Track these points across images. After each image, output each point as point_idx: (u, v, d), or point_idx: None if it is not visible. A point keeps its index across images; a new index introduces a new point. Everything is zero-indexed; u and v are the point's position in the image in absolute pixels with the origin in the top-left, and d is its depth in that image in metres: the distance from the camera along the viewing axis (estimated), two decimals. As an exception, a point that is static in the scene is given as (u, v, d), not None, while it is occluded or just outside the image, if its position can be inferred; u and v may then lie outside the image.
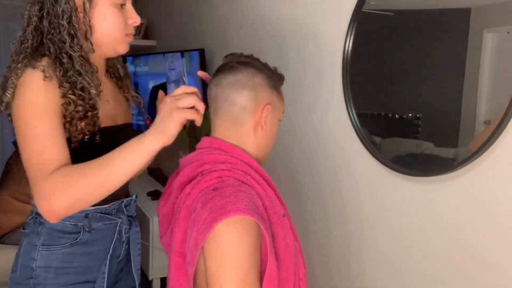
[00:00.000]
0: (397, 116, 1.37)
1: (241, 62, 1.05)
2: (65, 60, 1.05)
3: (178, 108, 0.93)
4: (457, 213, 1.20)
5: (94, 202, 0.98)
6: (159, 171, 3.28)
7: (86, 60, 1.10)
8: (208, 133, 2.65)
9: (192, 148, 2.57)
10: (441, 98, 1.24)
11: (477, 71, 1.12)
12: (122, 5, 1.10)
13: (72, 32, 1.06)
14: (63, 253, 1.14)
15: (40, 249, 1.13)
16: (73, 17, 1.06)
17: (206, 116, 2.69)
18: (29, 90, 1.01)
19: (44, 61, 1.04)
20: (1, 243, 2.20)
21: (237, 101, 1.01)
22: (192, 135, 2.54)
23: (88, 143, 1.08)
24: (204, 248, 0.89)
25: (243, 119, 1.02)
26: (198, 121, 0.97)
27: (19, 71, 1.03)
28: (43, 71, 1.02)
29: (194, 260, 0.90)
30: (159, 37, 3.39)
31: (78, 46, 1.07)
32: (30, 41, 1.07)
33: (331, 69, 1.60)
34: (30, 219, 1.18)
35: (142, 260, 1.34)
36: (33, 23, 1.07)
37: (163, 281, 1.26)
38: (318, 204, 1.75)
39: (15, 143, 2.45)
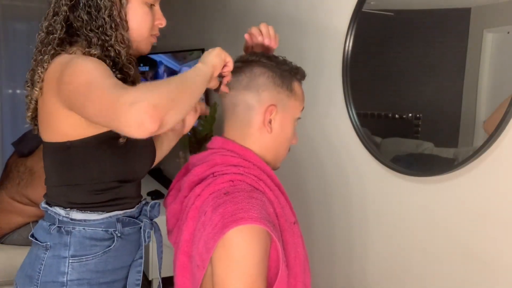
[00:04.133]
0: (397, 116, 1.37)
1: (246, 61, 1.03)
2: (112, 54, 1.03)
3: (220, 49, 0.98)
4: (457, 213, 1.20)
5: (183, 111, 0.87)
6: (159, 171, 3.28)
7: (130, 56, 1.08)
8: (208, 133, 2.64)
9: (192, 148, 2.57)
10: (441, 98, 1.24)
11: (477, 71, 1.12)
12: (152, 5, 1.10)
13: (113, 27, 1.03)
14: (95, 263, 1.06)
15: (70, 261, 1.04)
16: (114, 11, 1.03)
17: (206, 117, 2.69)
18: (76, 58, 0.96)
19: (79, 51, 1.02)
20: (1, 243, 2.20)
21: (241, 102, 1.00)
22: (192, 135, 2.54)
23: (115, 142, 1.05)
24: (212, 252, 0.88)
25: (249, 121, 1.00)
26: (228, 77, 1.01)
27: (46, 64, 1.01)
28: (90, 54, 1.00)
29: (205, 264, 0.90)
30: (159, 37, 3.40)
31: (123, 41, 1.05)
32: (58, 31, 1.03)
33: (331, 69, 1.60)
34: (51, 230, 1.07)
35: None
36: (63, 13, 1.03)
37: (163, 281, 1.25)
38: (319, 204, 1.75)
39: (14, 144, 2.44)
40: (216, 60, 0.96)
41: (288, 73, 1.02)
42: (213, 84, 0.98)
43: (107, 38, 1.02)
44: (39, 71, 1.02)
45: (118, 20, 1.03)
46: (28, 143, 2.23)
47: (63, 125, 1.01)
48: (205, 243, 0.88)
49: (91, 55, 1.01)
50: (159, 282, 1.23)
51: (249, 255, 0.86)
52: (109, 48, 1.03)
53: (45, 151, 1.10)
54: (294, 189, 1.82)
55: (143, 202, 1.18)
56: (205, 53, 0.99)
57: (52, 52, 1.02)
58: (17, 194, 2.15)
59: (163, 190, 2.79)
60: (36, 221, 2.21)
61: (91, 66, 0.93)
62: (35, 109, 1.08)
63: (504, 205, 1.08)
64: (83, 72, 0.91)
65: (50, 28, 1.05)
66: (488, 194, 1.11)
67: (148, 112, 0.76)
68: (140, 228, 1.15)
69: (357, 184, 1.54)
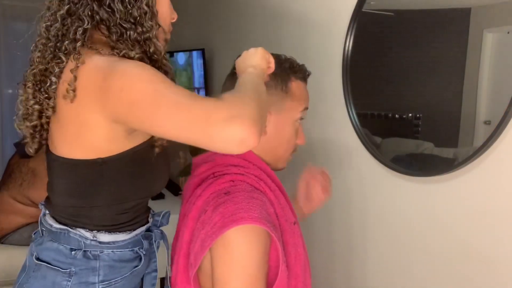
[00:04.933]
0: (397, 116, 1.37)
1: None
2: (152, 49, 0.93)
3: (263, 49, 0.94)
4: (456, 213, 1.20)
5: (265, 121, 0.83)
6: (159, 171, 3.27)
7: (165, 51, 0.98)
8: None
9: (192, 148, 2.57)
10: (441, 98, 1.24)
11: (477, 71, 1.12)
12: None
13: (151, 17, 0.92)
14: (123, 284, 1.00)
15: (100, 286, 0.96)
16: (151, 0, 0.92)
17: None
18: (122, 62, 0.84)
19: (114, 55, 0.88)
20: (1, 243, 2.20)
21: None
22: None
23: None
24: (212, 252, 0.88)
25: None
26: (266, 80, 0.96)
27: (77, 62, 0.86)
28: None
29: (197, 262, 0.89)
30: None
31: (161, 34, 0.95)
32: (88, 23, 0.89)
33: (331, 69, 1.60)
34: (77, 255, 0.96)
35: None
36: (88, 3, 0.90)
37: (164, 281, 1.24)
38: (318, 204, 1.75)
39: (16, 145, 2.42)
40: (263, 64, 0.92)
41: (284, 74, 1.00)
42: None
43: (145, 30, 0.92)
44: (55, 72, 0.89)
45: (155, 10, 0.93)
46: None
47: (97, 139, 0.89)
48: (202, 242, 0.88)
49: (130, 58, 0.88)
50: (166, 285, 1.22)
51: (249, 254, 0.86)
52: (147, 42, 0.92)
53: (61, 168, 0.96)
54: (294, 190, 1.81)
55: (152, 212, 1.13)
56: (247, 54, 0.93)
57: (80, 47, 0.88)
58: (19, 194, 2.15)
59: (163, 190, 2.79)
60: (36, 222, 2.21)
61: (148, 71, 0.81)
62: (45, 118, 0.95)
63: (504, 205, 1.08)
64: (142, 78, 0.79)
65: (69, 19, 0.90)
66: (488, 194, 1.11)
67: (250, 128, 0.71)
68: (151, 239, 1.09)
69: (357, 184, 1.54)
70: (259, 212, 0.88)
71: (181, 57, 2.85)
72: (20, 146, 2.26)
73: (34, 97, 0.93)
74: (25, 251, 1.12)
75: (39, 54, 0.92)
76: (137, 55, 0.89)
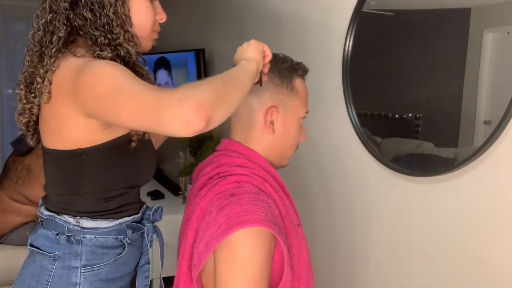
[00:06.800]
0: (397, 116, 1.37)
1: None
2: (122, 53, 0.98)
3: (256, 41, 0.98)
4: (457, 213, 1.20)
5: (231, 108, 0.85)
6: (159, 171, 3.28)
7: (139, 54, 1.04)
8: (207, 134, 2.64)
9: (192, 148, 2.57)
10: (441, 98, 1.24)
11: (477, 71, 1.12)
12: (152, 0, 1.06)
13: (119, 24, 0.98)
14: (106, 271, 1.03)
15: (82, 271, 1.00)
16: (119, 7, 0.98)
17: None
18: (93, 62, 0.91)
19: (88, 54, 0.96)
20: (0, 243, 2.20)
21: (242, 105, 1.00)
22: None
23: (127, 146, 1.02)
24: (216, 253, 0.88)
25: (251, 123, 1.01)
26: (267, 66, 0.99)
27: (53, 67, 0.95)
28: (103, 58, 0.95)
29: (201, 263, 0.89)
30: (159, 37, 3.40)
31: (131, 39, 1.00)
32: (62, 31, 0.97)
33: (331, 69, 1.60)
34: (61, 239, 1.02)
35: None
36: (63, 11, 0.97)
37: (164, 280, 1.25)
38: (319, 204, 1.75)
39: (13, 143, 2.43)
40: (257, 54, 0.95)
41: (287, 71, 1.02)
42: (256, 79, 0.96)
43: (114, 36, 0.98)
44: (41, 74, 0.96)
45: (123, 17, 0.98)
46: (27, 142, 2.21)
47: (76, 132, 0.97)
48: (207, 243, 0.88)
49: (103, 58, 0.96)
50: (161, 282, 1.23)
51: (253, 257, 0.86)
52: (117, 47, 0.98)
53: (49, 159, 1.05)
54: (295, 190, 1.81)
55: (145, 206, 1.16)
56: (241, 49, 0.97)
57: (57, 53, 0.96)
58: (14, 193, 2.14)
59: (163, 190, 2.79)
60: (33, 221, 2.21)
61: (113, 68, 0.88)
62: (35, 115, 1.03)
63: (504, 205, 1.08)
64: (106, 74, 0.87)
65: (49, 27, 0.98)
66: (488, 194, 1.11)
67: (195, 110, 0.75)
68: (143, 233, 1.12)
69: (357, 184, 1.54)
70: (264, 215, 0.88)
71: (180, 57, 2.85)
72: (16, 144, 2.26)
73: (25, 97, 1.02)
74: (25, 251, 1.13)
75: (28, 58, 1.01)
76: (109, 55, 0.97)
